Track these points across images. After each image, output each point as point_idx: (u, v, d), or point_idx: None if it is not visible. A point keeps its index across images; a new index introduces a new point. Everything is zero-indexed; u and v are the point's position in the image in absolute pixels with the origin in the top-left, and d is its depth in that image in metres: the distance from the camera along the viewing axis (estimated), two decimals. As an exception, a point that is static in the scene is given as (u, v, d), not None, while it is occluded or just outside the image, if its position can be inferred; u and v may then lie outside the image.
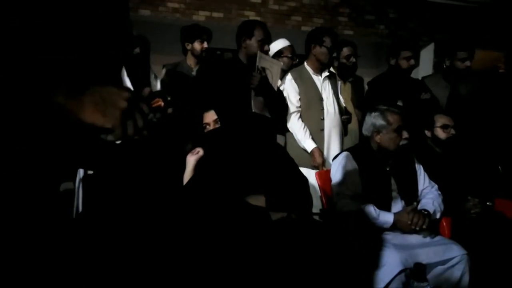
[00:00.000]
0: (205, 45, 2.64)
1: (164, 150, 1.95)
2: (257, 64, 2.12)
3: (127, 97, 0.69)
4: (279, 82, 2.46)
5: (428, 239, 1.83)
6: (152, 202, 1.66)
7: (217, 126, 1.97)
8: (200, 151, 1.83)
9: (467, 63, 2.63)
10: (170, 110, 2.10)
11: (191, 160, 1.82)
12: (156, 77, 2.47)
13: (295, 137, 2.47)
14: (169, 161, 1.90)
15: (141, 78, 2.32)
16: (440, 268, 1.75)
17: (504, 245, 1.91)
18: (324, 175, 2.18)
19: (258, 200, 1.58)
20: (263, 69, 2.17)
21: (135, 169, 1.82)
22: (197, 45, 2.63)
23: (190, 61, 2.68)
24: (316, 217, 2.21)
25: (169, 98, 2.22)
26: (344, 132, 2.62)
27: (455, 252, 1.75)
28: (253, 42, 2.20)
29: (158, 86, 2.47)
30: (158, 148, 1.93)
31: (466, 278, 1.75)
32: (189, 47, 2.67)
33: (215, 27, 3.15)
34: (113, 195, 1.68)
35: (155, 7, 4.56)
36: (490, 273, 1.84)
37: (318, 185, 2.20)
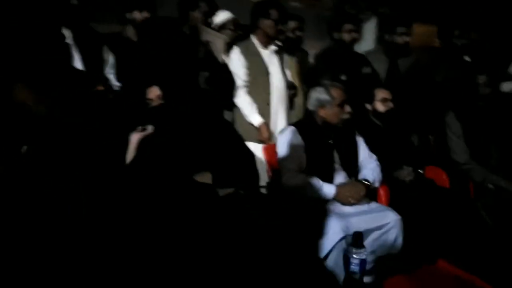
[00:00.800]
0: (146, 14, 2.47)
1: (106, 128, 1.86)
2: (200, 37, 2.05)
3: (63, 88, 0.68)
4: (224, 55, 2.41)
5: (366, 206, 1.96)
6: (95, 181, 1.59)
7: (160, 102, 1.91)
8: (148, 129, 1.76)
9: (405, 38, 2.74)
10: (111, 96, 2.00)
11: (134, 138, 1.75)
12: (108, 51, 2.28)
13: (242, 112, 2.46)
14: (111, 140, 1.82)
15: (93, 52, 2.13)
16: (377, 233, 1.88)
17: (433, 209, 2.10)
18: (270, 149, 2.22)
19: (205, 177, 1.58)
20: (207, 42, 2.11)
21: (76, 148, 1.72)
22: (137, 15, 2.46)
23: (130, 32, 2.51)
24: (263, 190, 2.26)
25: (108, 83, 2.10)
26: (290, 106, 2.65)
27: (390, 217, 1.90)
28: (197, 14, 2.13)
29: (110, 60, 2.28)
30: (99, 126, 1.84)
31: (399, 241, 1.91)
32: (128, 16, 2.49)
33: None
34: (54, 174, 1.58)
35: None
36: (421, 235, 2.01)
37: (265, 159, 2.23)
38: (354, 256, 1.14)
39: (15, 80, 0.75)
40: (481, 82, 2.42)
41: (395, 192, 2.20)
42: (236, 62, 2.45)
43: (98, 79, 1.97)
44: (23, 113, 0.74)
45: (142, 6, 2.45)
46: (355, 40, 2.71)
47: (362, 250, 1.14)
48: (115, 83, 2.29)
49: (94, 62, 2.12)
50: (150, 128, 1.74)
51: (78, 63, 2.03)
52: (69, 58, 1.94)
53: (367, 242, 1.86)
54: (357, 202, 1.92)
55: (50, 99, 0.72)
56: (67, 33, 1.96)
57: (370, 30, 6.12)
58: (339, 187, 1.93)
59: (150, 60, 2.09)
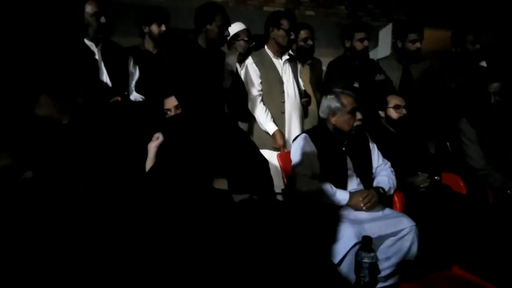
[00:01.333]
0: (163, 28, 2.58)
1: (125, 138, 1.94)
2: (225, 66, 2.12)
3: (84, 94, 0.74)
4: (238, 67, 2.49)
5: (380, 213, 1.97)
6: (115, 189, 1.66)
7: (178, 112, 1.97)
8: (159, 137, 1.83)
9: (417, 44, 2.74)
10: (128, 106, 2.08)
11: (152, 147, 1.83)
12: (134, 65, 2.35)
13: (257, 120, 2.51)
14: (131, 149, 1.89)
15: (119, 66, 2.21)
16: (391, 239, 1.88)
17: (450, 217, 2.08)
18: (285, 157, 2.26)
19: (221, 183, 1.63)
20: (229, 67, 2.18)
21: (97, 158, 1.80)
22: (154, 28, 2.56)
23: (148, 44, 2.62)
24: (279, 197, 2.29)
25: (126, 93, 2.19)
26: (304, 114, 2.69)
27: (405, 224, 1.89)
28: (213, 28, 2.18)
29: (137, 74, 2.36)
30: (120, 137, 1.91)
31: (414, 247, 1.89)
32: (146, 30, 2.60)
33: (174, 7, 3.07)
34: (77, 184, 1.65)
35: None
36: (437, 242, 2.00)
37: (280, 166, 2.27)
38: (364, 260, 1.16)
39: (39, 92, 0.79)
40: (493, 91, 2.40)
41: (410, 199, 2.20)
42: (250, 71, 2.51)
43: (116, 90, 2.06)
44: (45, 122, 0.79)
45: (160, 19, 2.56)
46: (367, 48, 2.74)
47: (371, 254, 1.17)
48: (138, 95, 2.38)
49: (119, 76, 2.21)
50: (161, 136, 1.81)
51: (105, 77, 2.13)
52: (97, 72, 2.04)
53: (382, 248, 1.87)
54: (369, 209, 1.93)
55: (73, 108, 0.77)
56: (95, 49, 2.07)
57: (386, 36, 6.12)
58: (352, 193, 1.95)
59: (168, 72, 2.16)
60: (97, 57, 2.04)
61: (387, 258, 1.87)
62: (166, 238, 1.38)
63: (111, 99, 1.98)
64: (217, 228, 1.42)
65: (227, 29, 2.25)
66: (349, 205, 1.94)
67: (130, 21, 2.78)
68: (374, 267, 1.16)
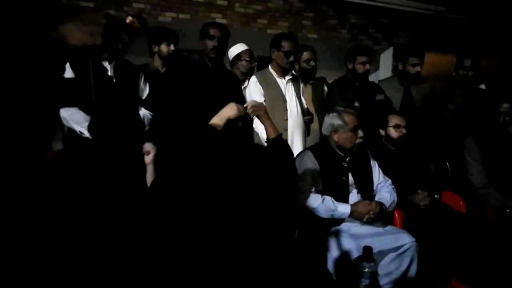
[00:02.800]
0: (172, 47, 2.68)
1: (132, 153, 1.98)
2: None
3: (104, 15, 0.79)
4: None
5: (381, 229, 2.00)
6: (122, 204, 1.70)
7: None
8: (151, 150, 1.86)
9: (418, 68, 2.83)
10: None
11: (148, 162, 1.86)
12: (146, 81, 2.39)
13: (260, 137, 2.57)
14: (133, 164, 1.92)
15: (130, 82, 2.26)
16: (392, 255, 1.91)
17: (449, 234, 2.11)
18: (287, 173, 2.31)
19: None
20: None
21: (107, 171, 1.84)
22: (164, 48, 2.67)
23: (157, 63, 2.72)
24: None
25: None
26: (306, 132, 2.75)
27: (405, 239, 1.92)
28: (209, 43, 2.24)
29: (147, 91, 2.41)
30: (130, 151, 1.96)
31: (414, 264, 1.92)
32: (156, 49, 2.70)
33: (181, 29, 3.19)
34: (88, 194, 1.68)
35: (120, 7, 4.54)
36: (437, 259, 2.02)
37: (282, 181, 2.31)
38: (364, 269, 1.19)
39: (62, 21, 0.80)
40: (503, 111, 2.45)
41: (410, 216, 2.23)
42: (253, 89, 2.59)
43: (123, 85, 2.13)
44: (81, 51, 0.79)
45: (170, 39, 2.66)
46: (368, 71, 2.82)
47: (372, 264, 1.20)
48: (147, 111, 2.44)
49: (131, 91, 2.28)
50: (152, 149, 1.84)
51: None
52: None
53: (383, 263, 1.90)
54: (370, 219, 1.96)
55: (101, 28, 0.78)
56: (108, 66, 2.15)
57: (387, 59, 6.28)
58: (354, 205, 1.99)
59: (177, 91, 2.21)
60: (109, 73, 2.12)
61: (387, 273, 1.90)
62: (167, 243, 1.41)
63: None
64: (220, 238, 1.45)
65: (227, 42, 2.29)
66: (352, 214, 1.97)
67: (140, 41, 2.88)
68: (374, 276, 1.19)
